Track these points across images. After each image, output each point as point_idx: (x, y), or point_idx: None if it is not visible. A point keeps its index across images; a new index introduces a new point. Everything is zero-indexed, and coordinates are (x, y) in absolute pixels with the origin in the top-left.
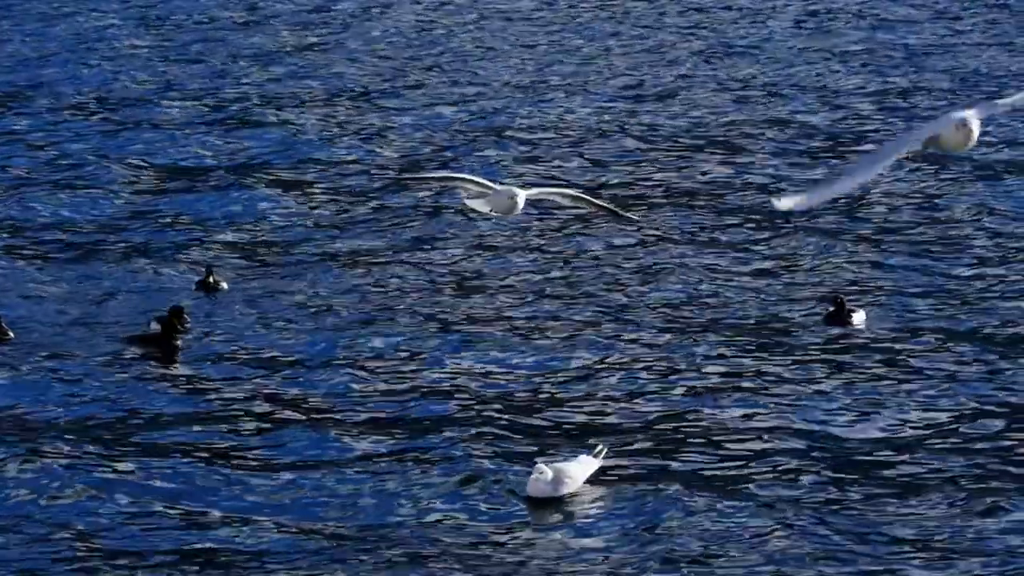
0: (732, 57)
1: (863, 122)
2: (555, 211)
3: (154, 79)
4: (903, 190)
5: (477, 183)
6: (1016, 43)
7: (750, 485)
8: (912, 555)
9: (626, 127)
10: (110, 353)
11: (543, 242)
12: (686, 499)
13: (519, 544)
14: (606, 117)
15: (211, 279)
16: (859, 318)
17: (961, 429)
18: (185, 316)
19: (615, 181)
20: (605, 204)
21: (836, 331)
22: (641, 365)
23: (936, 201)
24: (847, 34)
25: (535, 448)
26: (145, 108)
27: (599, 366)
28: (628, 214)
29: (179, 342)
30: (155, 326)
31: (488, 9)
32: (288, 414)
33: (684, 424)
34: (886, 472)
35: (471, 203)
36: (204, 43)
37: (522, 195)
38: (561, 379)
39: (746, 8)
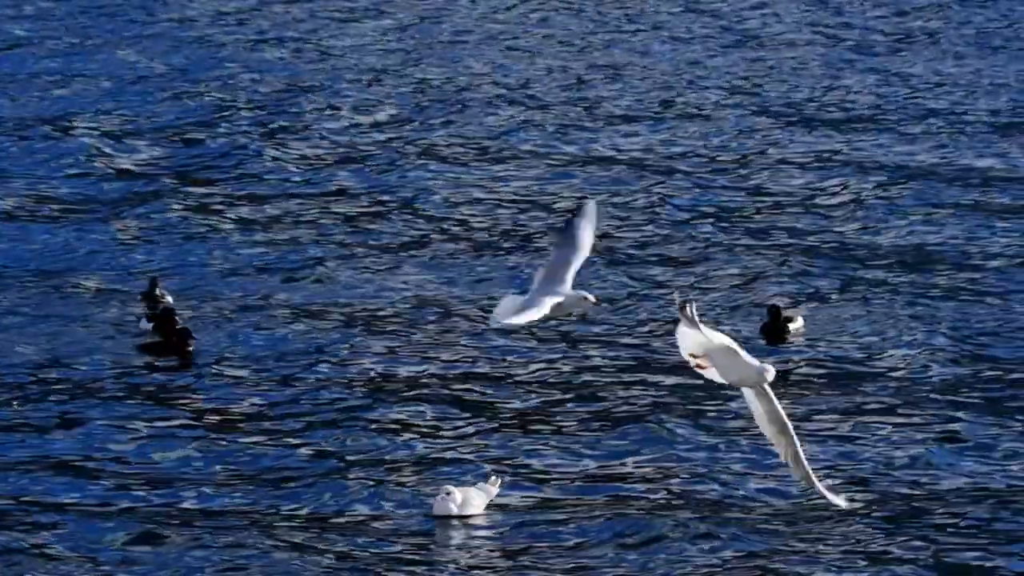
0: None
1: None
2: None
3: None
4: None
5: (730, 349)
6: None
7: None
8: None
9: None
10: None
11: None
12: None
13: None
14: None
15: (156, 291)
16: (797, 326)
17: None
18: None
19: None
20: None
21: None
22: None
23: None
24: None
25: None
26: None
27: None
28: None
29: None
30: (146, 324)
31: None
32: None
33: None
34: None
35: (708, 373)
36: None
37: (772, 370)
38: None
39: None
